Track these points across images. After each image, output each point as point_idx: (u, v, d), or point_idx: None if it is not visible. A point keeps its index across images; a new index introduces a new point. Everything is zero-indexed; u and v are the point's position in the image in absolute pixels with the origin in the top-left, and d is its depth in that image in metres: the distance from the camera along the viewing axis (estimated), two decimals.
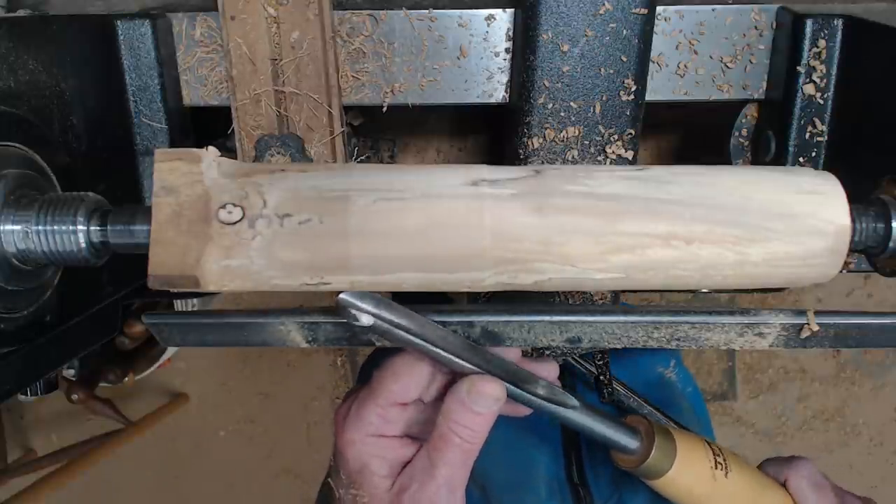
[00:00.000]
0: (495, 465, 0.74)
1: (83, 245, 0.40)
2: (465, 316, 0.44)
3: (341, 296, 0.40)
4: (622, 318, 0.44)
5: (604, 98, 0.57)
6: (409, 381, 0.47)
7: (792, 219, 0.38)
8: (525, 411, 0.52)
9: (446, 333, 0.44)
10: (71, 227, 0.39)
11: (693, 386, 0.92)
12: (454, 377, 0.47)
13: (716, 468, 0.54)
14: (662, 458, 0.52)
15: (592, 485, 0.73)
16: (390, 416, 0.48)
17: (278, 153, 0.59)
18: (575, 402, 0.48)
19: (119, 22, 0.56)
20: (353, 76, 0.61)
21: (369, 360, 1.11)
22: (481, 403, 0.45)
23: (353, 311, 0.40)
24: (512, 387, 0.46)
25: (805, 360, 2.14)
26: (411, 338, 0.42)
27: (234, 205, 0.37)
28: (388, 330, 0.42)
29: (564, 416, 0.49)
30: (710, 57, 0.61)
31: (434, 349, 0.43)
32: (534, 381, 0.47)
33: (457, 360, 0.44)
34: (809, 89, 0.58)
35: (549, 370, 0.51)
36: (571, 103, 0.57)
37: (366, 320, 0.40)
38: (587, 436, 0.51)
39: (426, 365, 0.47)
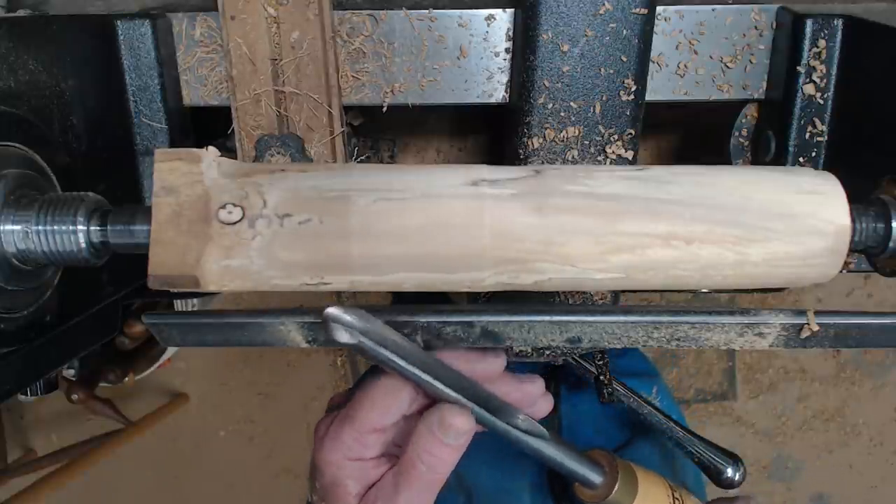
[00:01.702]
0: (482, 473, 0.74)
1: (83, 245, 0.40)
2: (465, 316, 0.44)
3: (327, 311, 0.40)
4: (622, 318, 0.44)
5: (604, 98, 0.57)
6: (386, 410, 0.47)
7: (792, 219, 0.38)
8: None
9: (427, 357, 0.44)
10: (71, 227, 0.39)
11: (677, 413, 0.92)
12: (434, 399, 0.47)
13: (674, 502, 0.55)
14: (624, 494, 0.53)
15: (577, 499, 0.74)
16: (368, 441, 0.48)
17: (278, 153, 0.59)
18: (545, 432, 0.49)
19: (119, 22, 0.56)
20: (353, 76, 0.61)
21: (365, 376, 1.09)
22: (450, 436, 0.45)
23: (339, 328, 0.40)
24: (485, 414, 0.46)
25: (805, 360, 2.14)
26: (392, 357, 0.42)
27: (234, 205, 0.37)
28: (371, 349, 0.42)
29: (533, 448, 0.49)
30: (710, 57, 0.61)
31: (413, 371, 0.44)
32: (508, 410, 0.47)
33: (435, 383, 0.45)
34: (809, 89, 0.58)
35: (534, 385, 0.51)
36: (571, 103, 0.57)
37: (348, 338, 0.40)
38: (553, 468, 0.51)
39: (405, 393, 0.47)
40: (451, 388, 0.45)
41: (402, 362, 0.43)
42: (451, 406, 0.45)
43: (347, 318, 0.40)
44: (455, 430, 0.45)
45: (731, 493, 0.72)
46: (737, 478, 0.71)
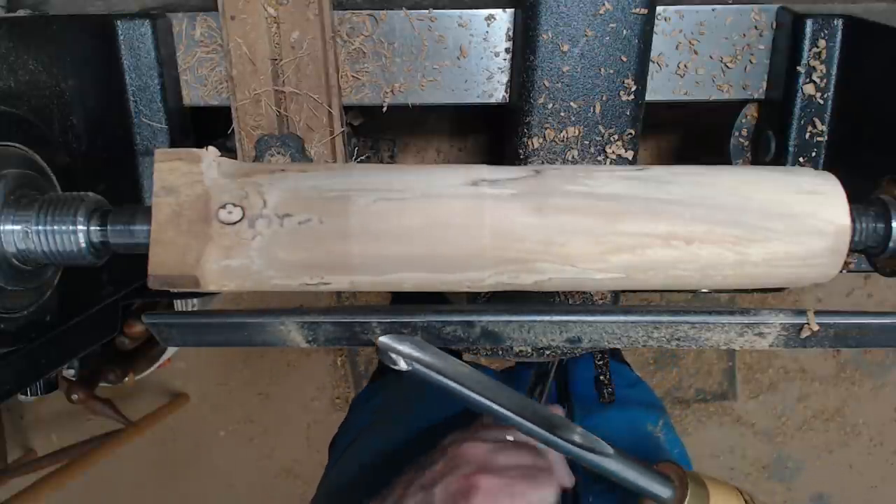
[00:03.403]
0: None
1: (83, 245, 0.40)
2: (465, 316, 0.44)
3: (380, 340, 0.41)
4: (622, 318, 0.44)
5: (604, 98, 0.57)
6: None
7: (792, 219, 0.38)
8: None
9: (482, 378, 0.43)
10: (71, 227, 0.39)
11: (680, 448, 0.91)
12: None
13: None
14: None
15: None
16: None
17: (278, 153, 0.59)
18: (609, 449, 0.48)
19: (119, 22, 0.56)
20: (353, 76, 0.61)
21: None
22: None
23: (392, 356, 0.41)
24: (545, 434, 0.46)
25: (805, 360, 2.13)
26: (448, 382, 0.42)
27: (234, 205, 0.37)
28: (427, 375, 0.42)
29: (597, 464, 0.48)
30: (710, 57, 0.61)
31: (469, 394, 0.43)
32: (568, 427, 0.47)
33: (492, 405, 0.44)
34: (809, 89, 0.58)
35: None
36: (571, 103, 0.57)
37: (403, 365, 0.41)
38: (620, 484, 0.50)
39: None
40: (509, 409, 0.44)
41: (457, 387, 0.43)
42: None
43: (400, 347, 0.41)
44: None
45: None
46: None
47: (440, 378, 0.42)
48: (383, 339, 0.41)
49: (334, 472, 0.86)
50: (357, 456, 0.83)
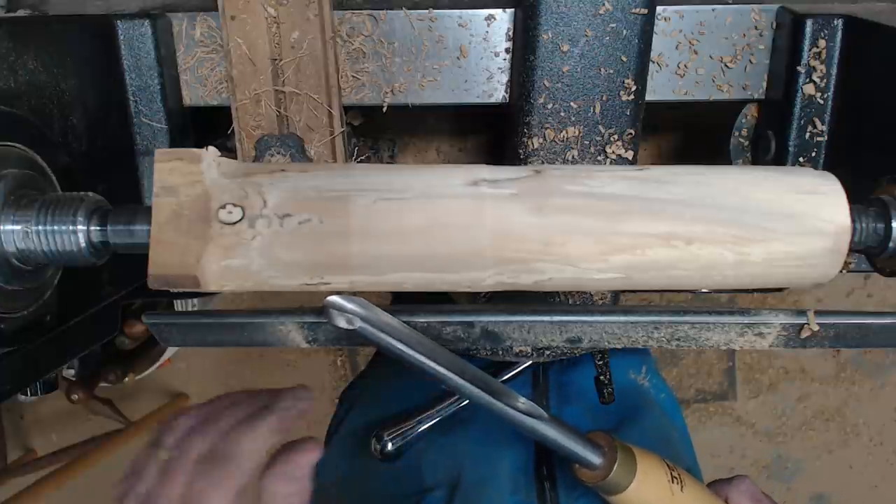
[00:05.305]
0: (467, 462, 0.75)
1: (83, 245, 0.40)
2: (465, 316, 0.44)
3: (328, 299, 0.41)
4: (622, 318, 0.44)
5: (604, 98, 0.57)
6: None
7: (792, 219, 0.38)
8: None
9: (427, 341, 0.44)
10: (71, 227, 0.39)
11: (667, 392, 0.91)
12: None
13: (672, 482, 0.55)
14: (623, 474, 0.53)
15: (560, 479, 0.74)
16: None
17: (278, 153, 0.59)
18: (543, 414, 0.49)
19: (119, 22, 0.56)
20: (353, 76, 0.61)
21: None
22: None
23: (339, 315, 0.41)
24: (485, 396, 0.47)
25: (805, 360, 2.14)
26: (394, 342, 0.43)
27: (234, 205, 0.37)
28: (373, 335, 0.42)
29: (532, 428, 0.49)
30: (710, 57, 0.61)
31: (413, 354, 0.44)
32: (506, 392, 0.48)
33: (434, 366, 0.45)
34: (809, 89, 0.58)
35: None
36: (571, 103, 0.57)
37: (348, 324, 0.41)
38: (552, 449, 0.52)
39: None
40: (452, 371, 0.45)
41: (402, 347, 0.43)
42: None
43: (348, 305, 0.41)
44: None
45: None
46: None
47: (385, 338, 0.43)
48: (331, 298, 0.41)
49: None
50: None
